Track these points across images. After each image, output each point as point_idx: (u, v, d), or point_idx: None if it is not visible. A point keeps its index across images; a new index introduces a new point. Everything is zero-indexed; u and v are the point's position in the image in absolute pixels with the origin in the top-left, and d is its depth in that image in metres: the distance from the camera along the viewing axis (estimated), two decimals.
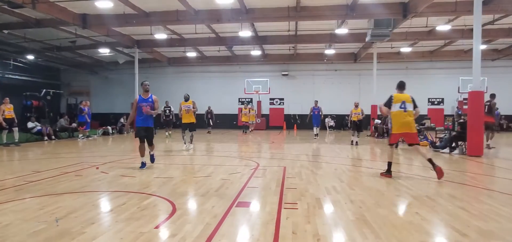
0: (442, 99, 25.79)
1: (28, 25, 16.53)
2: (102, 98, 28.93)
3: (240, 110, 22.81)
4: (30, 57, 23.71)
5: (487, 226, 3.88)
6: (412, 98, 6.89)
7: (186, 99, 11.73)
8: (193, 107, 11.60)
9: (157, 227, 3.80)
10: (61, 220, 4.00)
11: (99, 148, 12.95)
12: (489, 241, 3.44)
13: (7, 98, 13.53)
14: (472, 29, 10.94)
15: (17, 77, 24.40)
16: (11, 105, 13.47)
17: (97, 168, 7.76)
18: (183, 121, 11.70)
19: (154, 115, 7.72)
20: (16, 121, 13.70)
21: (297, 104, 27.12)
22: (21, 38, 19.42)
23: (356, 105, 14.72)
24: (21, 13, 15.28)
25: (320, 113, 17.06)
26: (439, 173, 6.41)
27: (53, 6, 14.23)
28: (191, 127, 11.71)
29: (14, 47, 21.57)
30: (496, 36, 19.23)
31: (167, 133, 18.10)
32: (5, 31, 17.58)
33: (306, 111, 19.52)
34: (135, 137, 7.73)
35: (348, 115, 26.25)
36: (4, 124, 12.79)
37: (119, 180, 6.42)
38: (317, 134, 17.46)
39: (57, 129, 17.43)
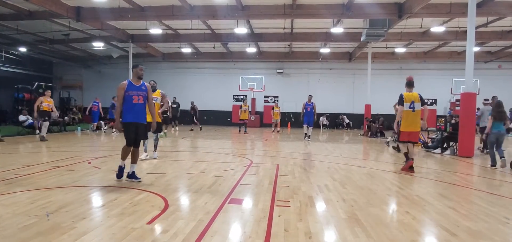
0: (435, 100, 26.03)
1: (20, 17, 16.31)
2: (95, 93, 28.49)
3: (238, 107, 21.99)
4: (23, 49, 23.42)
5: (476, 226, 3.93)
6: (420, 96, 7.31)
7: (153, 89, 8.11)
8: (162, 102, 8.56)
9: (149, 223, 3.79)
10: (52, 214, 3.97)
11: (91, 143, 12.85)
12: (478, 241, 3.49)
13: (49, 91, 13.50)
14: (466, 31, 11.04)
15: (9, 69, 24.08)
16: (51, 100, 13.34)
17: (89, 163, 7.71)
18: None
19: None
20: (56, 113, 13.79)
21: (291, 102, 27.17)
22: (13, 30, 19.15)
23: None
24: (14, 4, 15.07)
25: (314, 110, 14.92)
26: (405, 168, 7.30)
27: None
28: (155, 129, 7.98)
29: (6, 39, 21.29)
30: (489, 39, 19.46)
31: (162, 132, 17.46)
32: None
33: (301, 109, 18.93)
34: (126, 137, 5.82)
35: (341, 114, 26.78)
36: (35, 114, 12.88)
37: (111, 175, 6.37)
38: (309, 135, 15.10)
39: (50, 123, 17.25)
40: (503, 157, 8.13)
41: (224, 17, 15.79)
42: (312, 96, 15.44)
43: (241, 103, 20.15)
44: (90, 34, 20.82)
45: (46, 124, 12.94)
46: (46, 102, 12.92)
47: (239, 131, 19.84)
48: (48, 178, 5.99)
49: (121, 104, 5.75)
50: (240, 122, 19.83)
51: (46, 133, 13.21)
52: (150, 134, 8.00)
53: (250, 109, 25.66)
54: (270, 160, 8.90)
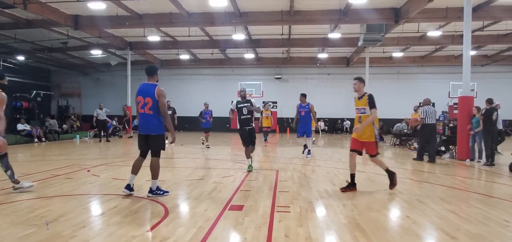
0: (433, 104, 26.06)
1: (18, 26, 16.34)
2: (93, 100, 28.52)
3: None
4: (21, 58, 23.42)
5: (476, 229, 3.93)
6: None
7: None
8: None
9: (149, 231, 3.78)
10: (52, 223, 3.95)
11: (90, 151, 12.81)
12: None
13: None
14: (462, 35, 11.13)
15: (7, 78, 24.01)
16: None
17: (88, 171, 7.69)
18: None
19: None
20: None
21: (289, 107, 27.19)
22: (11, 39, 19.17)
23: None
24: (12, 13, 15.10)
25: (312, 114, 10.82)
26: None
27: (44, 6, 14.10)
28: None
29: (4, 48, 21.31)
30: (486, 42, 19.60)
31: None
32: None
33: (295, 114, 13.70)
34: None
35: (342, 118, 26.82)
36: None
37: (111, 183, 6.36)
38: (310, 148, 11.01)
39: (47, 131, 17.25)
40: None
41: (222, 24, 15.86)
42: (306, 95, 11.01)
43: (263, 108, 16.04)
44: (88, 42, 20.85)
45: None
46: None
47: (265, 140, 16.40)
48: (47, 187, 5.97)
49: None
50: (263, 130, 16.60)
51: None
52: None
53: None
54: (269, 166, 8.90)
